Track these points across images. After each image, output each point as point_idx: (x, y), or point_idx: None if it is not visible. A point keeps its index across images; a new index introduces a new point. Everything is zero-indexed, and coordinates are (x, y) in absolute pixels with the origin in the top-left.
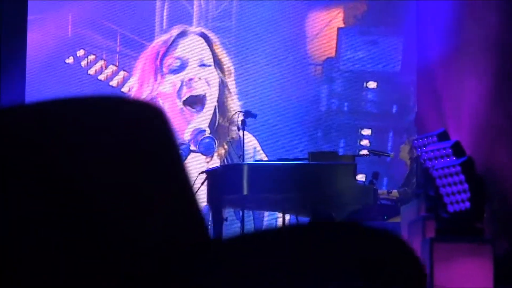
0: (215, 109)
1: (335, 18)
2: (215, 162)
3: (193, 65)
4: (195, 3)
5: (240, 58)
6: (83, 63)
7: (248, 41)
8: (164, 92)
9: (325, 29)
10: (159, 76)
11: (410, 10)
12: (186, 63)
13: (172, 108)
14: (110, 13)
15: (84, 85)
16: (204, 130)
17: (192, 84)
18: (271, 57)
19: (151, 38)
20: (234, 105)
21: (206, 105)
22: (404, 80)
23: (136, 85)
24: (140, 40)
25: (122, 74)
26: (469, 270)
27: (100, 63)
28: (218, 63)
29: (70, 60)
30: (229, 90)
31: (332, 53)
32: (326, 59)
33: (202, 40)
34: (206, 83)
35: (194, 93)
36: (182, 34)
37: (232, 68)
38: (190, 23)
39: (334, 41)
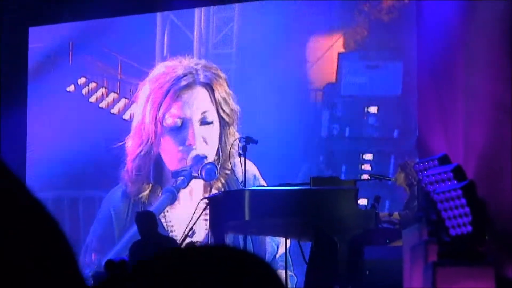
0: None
1: (335, 43)
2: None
3: (196, 124)
4: (196, 30)
5: (241, 84)
6: (84, 91)
7: (248, 67)
8: (164, 146)
9: (325, 54)
10: (159, 127)
11: (410, 33)
12: (188, 123)
13: (171, 147)
14: (111, 40)
15: (85, 113)
16: (206, 157)
17: (192, 147)
18: (271, 83)
19: (152, 65)
20: (234, 144)
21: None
22: (405, 104)
23: (135, 127)
24: (141, 68)
25: (123, 101)
26: None
27: (101, 90)
28: (223, 111)
29: (71, 88)
30: (231, 131)
31: (332, 78)
32: (326, 84)
33: (206, 94)
34: (206, 143)
35: (196, 153)
36: (188, 86)
37: (237, 110)
38: (190, 50)
39: (335, 66)
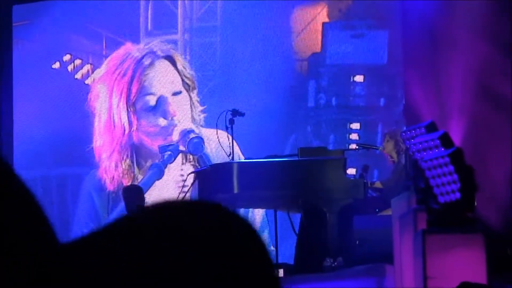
0: None
1: (319, 13)
2: (189, 169)
3: (168, 97)
4: (180, 3)
5: (226, 56)
6: (70, 67)
7: (233, 40)
8: (145, 129)
9: (310, 24)
10: (132, 113)
11: (395, 1)
12: (162, 98)
13: (153, 127)
14: (95, 16)
15: (71, 89)
16: (193, 130)
17: (175, 122)
18: (257, 55)
19: (136, 40)
20: (199, 114)
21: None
22: (391, 72)
23: (103, 126)
24: (126, 43)
25: None
26: (462, 261)
27: (87, 67)
28: (184, 80)
29: (56, 65)
30: (194, 102)
31: (318, 48)
32: (312, 54)
33: (169, 65)
34: (182, 110)
35: (180, 128)
36: (151, 64)
37: (194, 75)
38: (175, 24)
39: (320, 36)
